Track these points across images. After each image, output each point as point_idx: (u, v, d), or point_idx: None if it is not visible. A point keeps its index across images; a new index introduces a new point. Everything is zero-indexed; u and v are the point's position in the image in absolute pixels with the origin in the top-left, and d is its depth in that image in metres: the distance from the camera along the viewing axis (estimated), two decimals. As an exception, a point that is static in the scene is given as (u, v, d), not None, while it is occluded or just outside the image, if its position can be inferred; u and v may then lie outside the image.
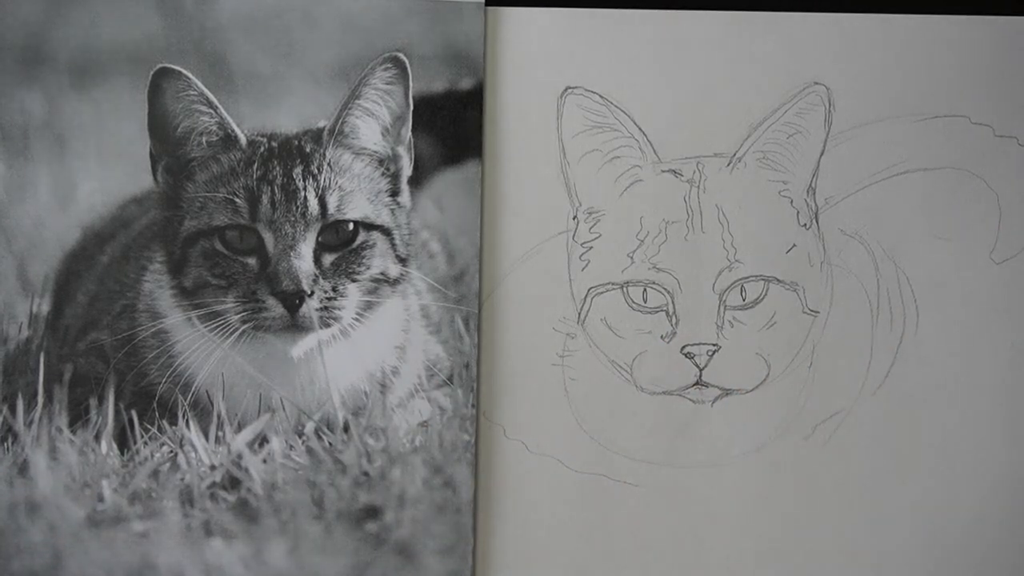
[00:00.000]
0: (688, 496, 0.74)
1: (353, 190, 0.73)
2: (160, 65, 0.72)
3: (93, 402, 0.73)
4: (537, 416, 0.74)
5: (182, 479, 0.73)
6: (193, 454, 0.73)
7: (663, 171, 0.74)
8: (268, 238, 0.71)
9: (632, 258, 0.74)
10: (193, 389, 0.73)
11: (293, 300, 0.71)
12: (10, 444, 0.73)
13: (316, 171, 0.72)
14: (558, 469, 0.74)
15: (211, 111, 0.72)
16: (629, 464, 0.74)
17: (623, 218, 0.74)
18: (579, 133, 0.73)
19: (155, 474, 0.73)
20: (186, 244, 0.72)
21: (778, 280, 0.74)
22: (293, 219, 0.71)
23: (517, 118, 0.73)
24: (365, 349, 0.74)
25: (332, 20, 0.73)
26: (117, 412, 0.73)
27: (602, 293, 0.74)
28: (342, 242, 0.72)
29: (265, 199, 0.72)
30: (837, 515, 0.74)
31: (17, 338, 0.74)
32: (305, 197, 0.72)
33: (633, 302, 0.74)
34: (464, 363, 0.74)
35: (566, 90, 0.73)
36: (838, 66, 0.73)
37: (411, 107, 0.73)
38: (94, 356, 0.74)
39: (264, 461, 0.73)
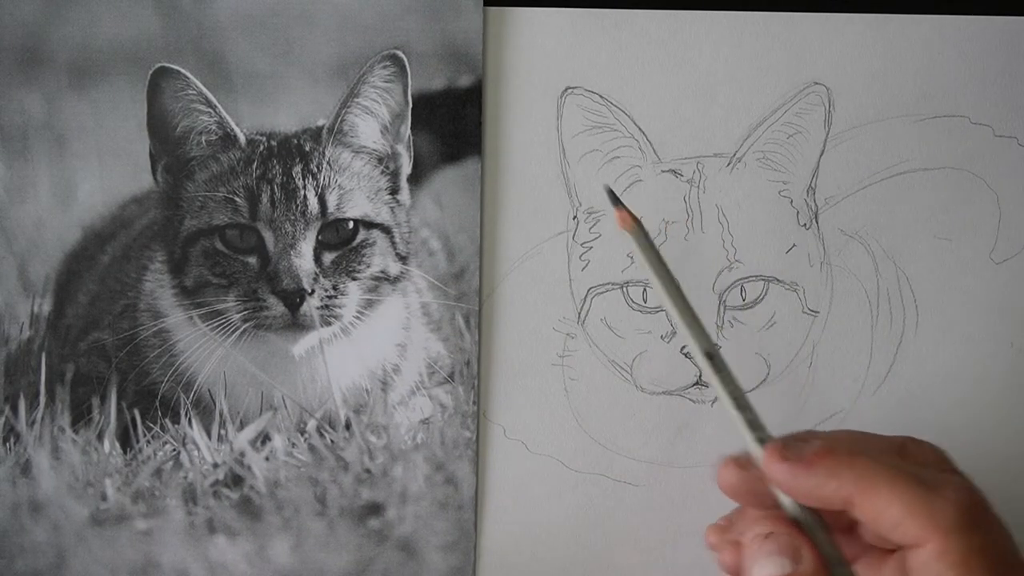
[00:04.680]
0: (688, 496, 0.74)
1: (353, 188, 0.73)
2: (159, 64, 0.72)
3: (95, 401, 0.73)
4: (537, 416, 0.74)
5: (185, 477, 0.73)
6: (196, 452, 0.73)
7: (663, 171, 0.74)
8: (268, 237, 0.72)
9: (632, 258, 0.74)
10: (195, 388, 0.74)
11: (294, 299, 0.71)
12: (12, 444, 0.73)
13: (315, 170, 0.72)
14: (558, 469, 0.74)
15: (210, 110, 0.72)
16: (629, 464, 0.74)
17: (623, 218, 0.74)
18: (579, 133, 0.73)
19: (158, 472, 0.73)
20: (187, 243, 0.73)
21: (778, 280, 0.74)
22: (293, 218, 0.71)
23: (517, 118, 0.73)
24: (366, 347, 0.74)
25: (330, 18, 0.73)
26: (119, 411, 0.73)
27: (602, 293, 0.74)
28: (342, 240, 0.72)
29: (265, 198, 0.72)
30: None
31: (19, 338, 0.74)
32: (305, 196, 0.72)
33: (633, 302, 0.74)
34: (465, 360, 0.74)
35: (566, 90, 0.73)
36: (838, 66, 0.73)
37: (410, 105, 0.73)
38: (96, 356, 0.74)
39: (266, 459, 0.74)
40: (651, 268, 0.59)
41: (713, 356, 0.58)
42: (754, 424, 0.57)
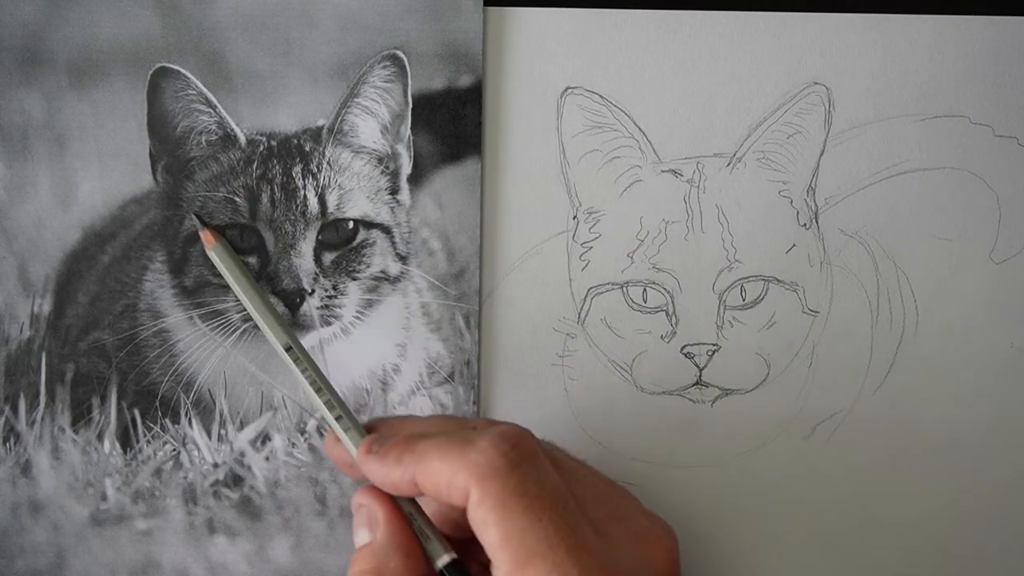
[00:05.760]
0: (688, 496, 0.74)
1: (353, 188, 0.73)
2: (159, 65, 0.72)
3: (95, 401, 0.73)
4: (537, 416, 0.74)
5: (185, 477, 0.73)
6: (196, 452, 0.73)
7: (663, 171, 0.74)
8: (268, 237, 0.72)
9: (632, 258, 0.74)
10: (195, 388, 0.74)
11: (294, 299, 0.72)
12: (12, 444, 0.73)
13: (315, 170, 0.72)
14: (559, 469, 0.74)
15: (210, 110, 0.72)
16: (629, 464, 0.74)
17: (623, 218, 0.74)
18: (579, 133, 0.73)
19: (158, 472, 0.73)
20: (187, 243, 0.73)
21: (778, 280, 0.74)
22: (293, 218, 0.72)
23: (517, 118, 0.73)
24: (366, 347, 0.74)
25: (330, 18, 0.73)
26: (120, 411, 0.73)
27: (602, 293, 0.74)
28: (342, 240, 0.73)
29: (265, 198, 0.72)
30: (837, 515, 0.74)
31: (19, 338, 0.74)
32: (305, 196, 0.72)
33: (633, 302, 0.74)
34: (465, 360, 0.74)
35: (566, 90, 0.73)
36: (838, 66, 0.73)
37: (410, 105, 0.73)
38: (96, 356, 0.74)
39: (267, 459, 0.74)
40: (231, 276, 0.65)
41: (291, 348, 0.64)
42: (332, 405, 0.63)
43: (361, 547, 0.60)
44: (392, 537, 0.59)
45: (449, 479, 0.56)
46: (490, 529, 0.55)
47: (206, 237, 0.65)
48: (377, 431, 0.62)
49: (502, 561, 0.54)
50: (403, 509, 0.60)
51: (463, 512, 0.58)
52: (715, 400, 0.74)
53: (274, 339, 0.63)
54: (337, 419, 0.63)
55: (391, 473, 0.58)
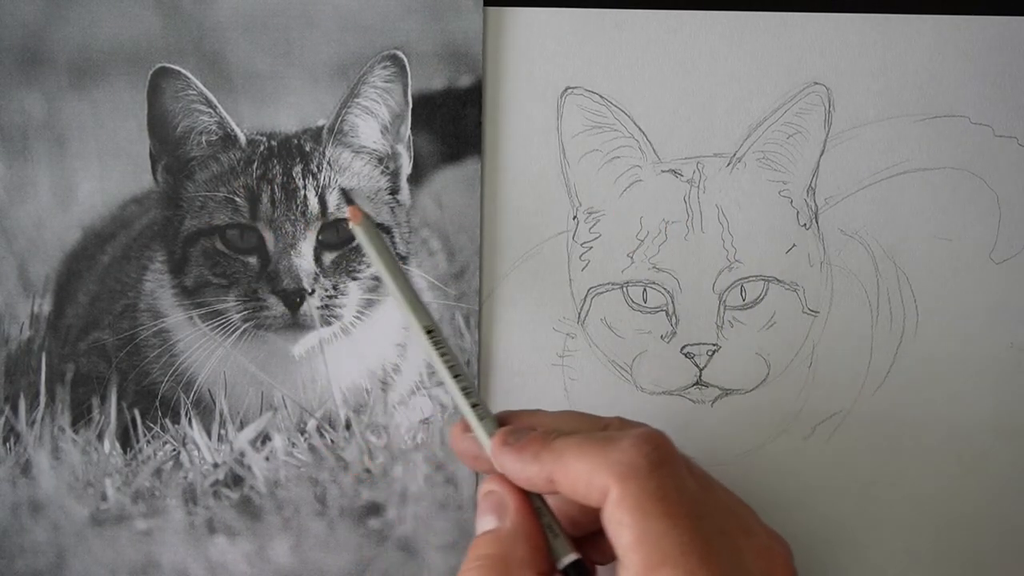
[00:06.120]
0: (688, 496, 0.74)
1: (353, 188, 0.73)
2: (159, 65, 0.72)
3: (95, 401, 0.73)
4: (537, 416, 0.74)
5: (185, 477, 0.73)
6: (196, 452, 0.73)
7: (663, 171, 0.74)
8: (268, 237, 0.72)
9: (632, 258, 0.74)
10: (195, 388, 0.74)
11: (294, 299, 0.72)
12: (12, 444, 0.73)
13: (316, 170, 0.72)
14: (559, 469, 0.74)
15: (210, 110, 0.72)
16: (629, 464, 0.74)
17: (623, 218, 0.74)
18: (579, 133, 0.73)
19: (158, 472, 0.73)
20: (187, 243, 0.73)
21: (778, 280, 0.74)
22: (293, 218, 0.72)
23: (517, 118, 0.73)
24: (366, 347, 0.74)
25: (331, 19, 0.73)
26: (120, 411, 0.73)
27: (602, 293, 0.74)
28: (342, 240, 0.73)
29: (265, 198, 0.72)
30: (837, 515, 0.74)
31: (19, 338, 0.74)
32: (305, 196, 0.72)
33: (633, 302, 0.74)
34: (465, 360, 0.74)
35: (566, 90, 0.73)
36: (838, 66, 0.73)
37: (410, 105, 0.73)
38: (96, 356, 0.74)
39: (267, 459, 0.74)
40: (376, 254, 0.64)
41: (432, 330, 0.62)
42: (469, 392, 0.62)
43: (485, 532, 0.59)
44: (521, 527, 0.59)
45: (588, 478, 0.56)
46: (624, 530, 0.54)
47: (353, 213, 0.64)
48: (510, 423, 0.61)
49: (633, 563, 0.54)
50: (533, 503, 0.60)
51: (583, 510, 0.58)
52: (715, 400, 0.74)
53: (415, 321, 0.62)
54: (472, 407, 0.61)
55: (527, 468, 0.58)
